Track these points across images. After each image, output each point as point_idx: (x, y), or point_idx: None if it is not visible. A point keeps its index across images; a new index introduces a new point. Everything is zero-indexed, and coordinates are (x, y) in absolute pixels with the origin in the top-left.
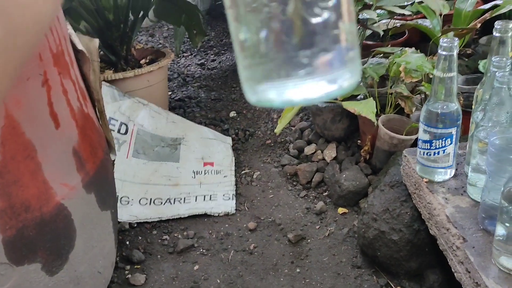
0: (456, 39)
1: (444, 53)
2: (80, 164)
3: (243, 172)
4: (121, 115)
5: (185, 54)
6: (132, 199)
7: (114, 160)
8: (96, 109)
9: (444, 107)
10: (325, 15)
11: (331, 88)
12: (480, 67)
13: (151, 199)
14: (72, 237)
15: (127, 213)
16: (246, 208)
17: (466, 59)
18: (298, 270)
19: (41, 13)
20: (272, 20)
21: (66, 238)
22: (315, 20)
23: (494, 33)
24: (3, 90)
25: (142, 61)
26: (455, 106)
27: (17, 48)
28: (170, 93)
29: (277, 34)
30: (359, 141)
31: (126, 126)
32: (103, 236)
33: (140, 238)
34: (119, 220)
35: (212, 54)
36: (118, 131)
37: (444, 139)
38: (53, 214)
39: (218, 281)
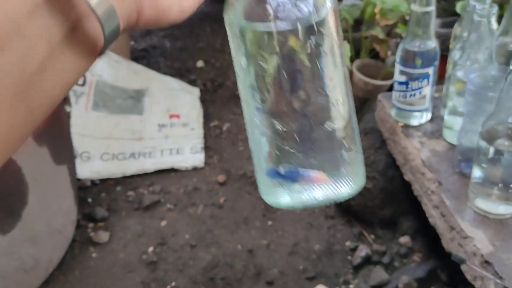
0: None
1: None
2: None
3: (212, 124)
4: None
5: None
6: (93, 155)
7: (70, 113)
8: None
9: (422, 45)
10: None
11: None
12: (458, 9)
13: (113, 154)
14: (24, 193)
15: (89, 170)
16: (216, 162)
17: (443, 2)
18: (270, 222)
19: (55, 100)
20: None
21: (17, 194)
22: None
23: None
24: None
25: None
26: (432, 44)
27: (26, 132)
28: (132, 43)
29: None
30: None
31: (84, 76)
32: (60, 192)
33: (103, 195)
34: (80, 177)
35: None
36: None
37: (420, 79)
38: (1, 168)
39: (187, 237)
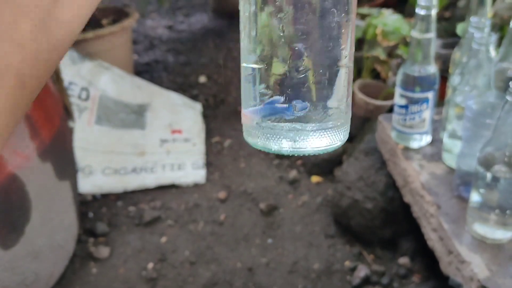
0: None
1: (422, 12)
2: (34, 131)
3: (213, 140)
4: (81, 80)
5: (152, 16)
6: (95, 169)
7: (73, 128)
8: None
9: (421, 70)
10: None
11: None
12: (458, 30)
13: (115, 168)
14: (27, 209)
15: (90, 184)
16: (217, 178)
17: (444, 23)
18: (269, 240)
19: (75, 33)
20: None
21: (21, 210)
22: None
23: None
24: (32, 102)
25: (104, 21)
26: (432, 69)
27: (53, 64)
28: (136, 57)
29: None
30: None
31: (87, 91)
32: (63, 207)
33: (104, 209)
34: (82, 191)
35: (181, 15)
36: (79, 97)
37: (420, 103)
38: (5, 185)
39: (187, 253)
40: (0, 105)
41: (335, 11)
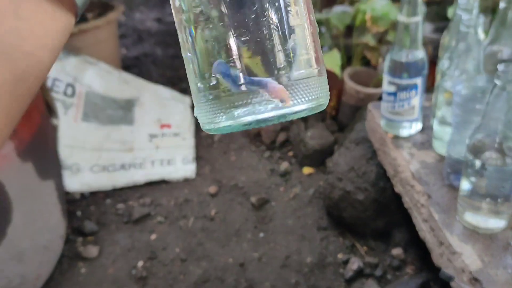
0: None
1: None
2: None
3: (203, 133)
4: (66, 76)
5: (140, 8)
6: (83, 167)
7: (57, 126)
8: None
9: (409, 55)
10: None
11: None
12: (449, 14)
13: (103, 165)
14: (8, 210)
15: (78, 182)
16: (207, 172)
17: (435, 6)
18: (261, 234)
19: (43, 62)
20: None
21: (1, 211)
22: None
23: None
24: (5, 137)
25: (89, 15)
26: (420, 54)
27: (21, 95)
28: (125, 51)
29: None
30: None
31: (73, 87)
32: (47, 208)
33: (92, 208)
34: (69, 190)
35: (169, 8)
36: (64, 93)
37: (408, 90)
38: None
39: (177, 250)
40: None
41: None
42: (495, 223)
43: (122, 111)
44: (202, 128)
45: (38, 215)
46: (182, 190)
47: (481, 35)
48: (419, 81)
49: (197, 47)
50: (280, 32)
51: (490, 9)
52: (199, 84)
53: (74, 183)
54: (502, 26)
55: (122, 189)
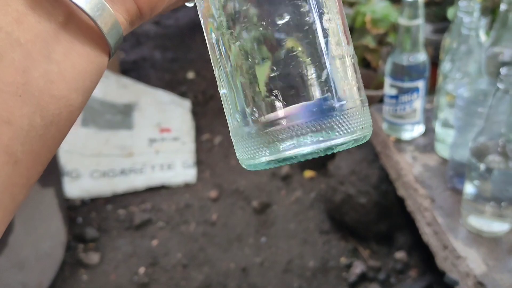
0: None
1: None
2: None
3: (203, 137)
4: None
5: None
6: (83, 172)
7: None
8: None
9: (410, 58)
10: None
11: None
12: (449, 15)
13: (103, 171)
14: None
15: (78, 188)
16: (208, 176)
17: (435, 7)
18: (263, 239)
19: (74, 105)
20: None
21: None
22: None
23: None
24: (33, 181)
25: None
26: (422, 57)
27: (51, 138)
28: (123, 55)
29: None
30: None
31: None
32: (47, 215)
33: (93, 214)
34: (69, 196)
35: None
36: None
37: (410, 93)
38: None
39: (179, 256)
40: None
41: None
42: (499, 227)
43: (121, 115)
44: (241, 164)
45: (38, 223)
46: (182, 195)
47: (483, 37)
48: (420, 83)
49: (238, 80)
50: (321, 64)
51: (489, 10)
52: (238, 118)
53: (74, 189)
54: (503, 28)
55: (122, 194)
